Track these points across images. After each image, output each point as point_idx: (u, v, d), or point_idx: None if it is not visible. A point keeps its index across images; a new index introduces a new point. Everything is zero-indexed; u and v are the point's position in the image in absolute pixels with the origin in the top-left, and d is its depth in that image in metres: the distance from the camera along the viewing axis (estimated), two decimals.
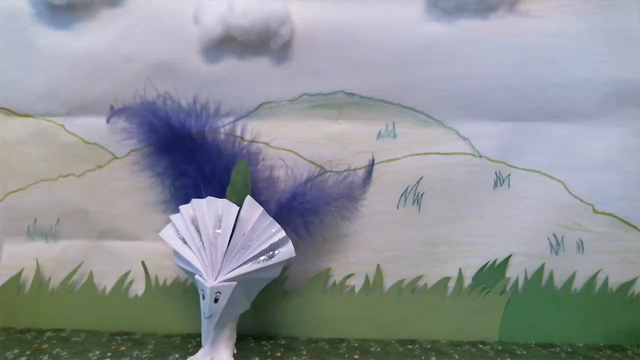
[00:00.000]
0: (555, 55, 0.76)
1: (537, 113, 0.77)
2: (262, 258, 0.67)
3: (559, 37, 0.76)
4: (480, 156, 0.78)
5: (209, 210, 0.69)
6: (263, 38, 0.76)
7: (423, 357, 0.72)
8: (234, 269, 0.66)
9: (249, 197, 0.69)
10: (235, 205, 0.69)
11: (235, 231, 0.67)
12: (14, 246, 0.83)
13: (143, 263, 0.81)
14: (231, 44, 0.77)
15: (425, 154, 0.79)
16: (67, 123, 0.81)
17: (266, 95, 0.79)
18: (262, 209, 0.69)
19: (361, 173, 0.79)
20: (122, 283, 0.81)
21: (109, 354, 0.71)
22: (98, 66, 0.79)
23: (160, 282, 0.81)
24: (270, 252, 0.68)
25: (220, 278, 0.65)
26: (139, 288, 0.81)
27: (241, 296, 0.68)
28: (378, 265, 0.79)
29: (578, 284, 0.78)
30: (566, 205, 0.78)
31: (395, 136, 0.79)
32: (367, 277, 0.79)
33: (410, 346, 0.76)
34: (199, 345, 0.71)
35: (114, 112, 0.79)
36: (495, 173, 0.79)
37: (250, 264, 0.67)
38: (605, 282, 0.77)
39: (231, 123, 0.79)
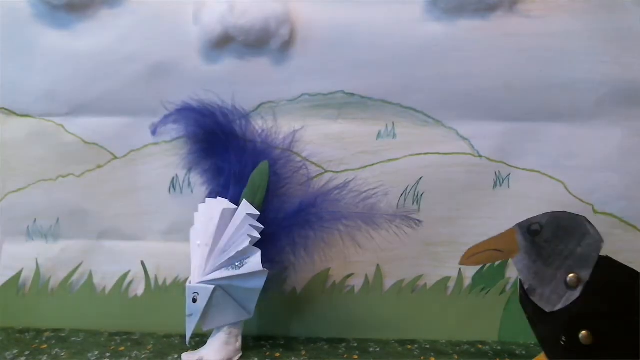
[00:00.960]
0: (555, 55, 0.76)
1: (537, 113, 0.77)
2: (236, 264, 0.67)
3: (559, 37, 0.76)
4: (480, 156, 0.78)
5: (209, 211, 0.69)
6: (263, 38, 0.76)
7: (422, 357, 0.71)
8: (212, 272, 0.67)
9: (244, 200, 0.69)
10: (234, 206, 0.69)
11: (224, 235, 0.67)
12: (13, 246, 0.83)
13: (143, 263, 0.81)
14: (231, 44, 0.77)
15: (425, 154, 0.79)
16: (67, 123, 0.81)
17: (266, 95, 0.79)
18: (250, 213, 0.67)
19: (390, 196, 0.77)
20: (122, 283, 0.81)
21: (108, 354, 0.71)
22: (98, 66, 0.79)
23: (160, 282, 0.80)
24: (240, 261, 0.67)
25: (199, 279, 0.67)
26: (138, 288, 0.81)
27: (228, 302, 0.68)
28: (378, 265, 0.79)
29: None
30: (566, 205, 0.77)
31: (395, 136, 0.79)
32: (367, 277, 0.79)
33: (409, 346, 0.76)
34: (198, 346, 0.71)
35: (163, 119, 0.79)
36: (495, 173, 0.79)
37: (224, 269, 0.67)
38: None
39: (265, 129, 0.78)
